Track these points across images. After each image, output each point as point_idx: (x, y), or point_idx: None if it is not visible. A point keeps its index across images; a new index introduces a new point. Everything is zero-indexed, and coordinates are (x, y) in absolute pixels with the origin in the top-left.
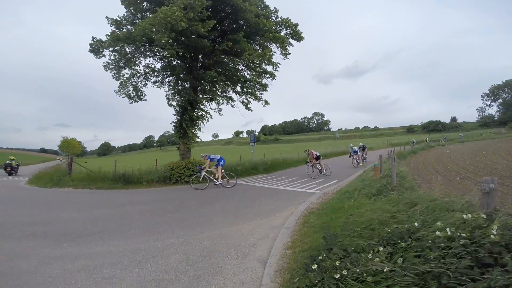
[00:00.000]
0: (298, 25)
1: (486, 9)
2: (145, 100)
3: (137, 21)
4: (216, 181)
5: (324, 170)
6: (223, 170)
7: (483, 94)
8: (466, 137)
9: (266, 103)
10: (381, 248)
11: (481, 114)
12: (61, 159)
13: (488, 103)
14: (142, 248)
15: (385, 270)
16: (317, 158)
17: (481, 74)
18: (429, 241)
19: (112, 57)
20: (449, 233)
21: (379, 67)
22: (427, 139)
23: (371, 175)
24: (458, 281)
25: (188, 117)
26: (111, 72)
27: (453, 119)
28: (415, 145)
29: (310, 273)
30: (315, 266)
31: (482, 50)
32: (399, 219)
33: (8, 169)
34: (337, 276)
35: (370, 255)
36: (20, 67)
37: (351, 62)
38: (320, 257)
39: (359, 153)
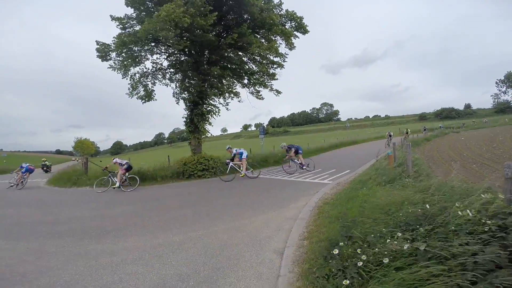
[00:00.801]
0: (303, 18)
1: None
2: (155, 100)
3: (142, 16)
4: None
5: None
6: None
7: (498, 81)
8: (480, 123)
9: (278, 92)
10: (399, 234)
11: (496, 100)
12: (77, 159)
13: (504, 89)
14: (161, 243)
15: (405, 247)
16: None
17: (496, 60)
18: (452, 226)
19: (120, 58)
20: (470, 215)
21: (389, 54)
22: (408, 130)
23: (385, 164)
24: (484, 267)
25: (199, 112)
26: (118, 72)
27: (467, 106)
28: (427, 132)
29: (330, 261)
30: (336, 251)
31: (496, 35)
32: (416, 206)
33: (45, 168)
34: (360, 263)
35: (389, 239)
36: (32, 72)
37: (359, 50)
38: (341, 243)
39: (244, 157)
